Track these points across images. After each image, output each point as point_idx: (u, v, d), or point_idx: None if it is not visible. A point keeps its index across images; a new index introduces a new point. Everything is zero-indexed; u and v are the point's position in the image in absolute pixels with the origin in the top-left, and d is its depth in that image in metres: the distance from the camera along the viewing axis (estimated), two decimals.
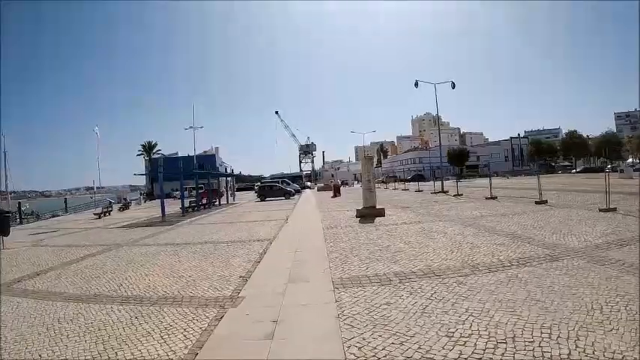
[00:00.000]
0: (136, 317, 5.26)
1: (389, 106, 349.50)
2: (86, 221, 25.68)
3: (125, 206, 37.49)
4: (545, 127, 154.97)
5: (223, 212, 25.20)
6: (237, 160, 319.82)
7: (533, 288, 5.21)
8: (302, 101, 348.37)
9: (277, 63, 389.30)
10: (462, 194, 24.52)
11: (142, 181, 75.01)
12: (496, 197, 20.43)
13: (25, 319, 5.52)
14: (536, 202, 16.36)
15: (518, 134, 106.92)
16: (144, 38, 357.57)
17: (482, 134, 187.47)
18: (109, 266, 9.13)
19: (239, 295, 5.89)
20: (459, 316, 4.39)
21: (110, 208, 32.11)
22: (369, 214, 14.99)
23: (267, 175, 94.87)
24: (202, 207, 29.78)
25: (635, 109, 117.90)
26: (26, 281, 8.18)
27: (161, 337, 4.48)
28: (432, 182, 38.25)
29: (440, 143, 34.46)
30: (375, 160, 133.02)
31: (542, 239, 8.64)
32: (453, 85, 31.83)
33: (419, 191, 32.61)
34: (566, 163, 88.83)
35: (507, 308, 4.52)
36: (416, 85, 31.36)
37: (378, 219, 14.26)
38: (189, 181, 38.71)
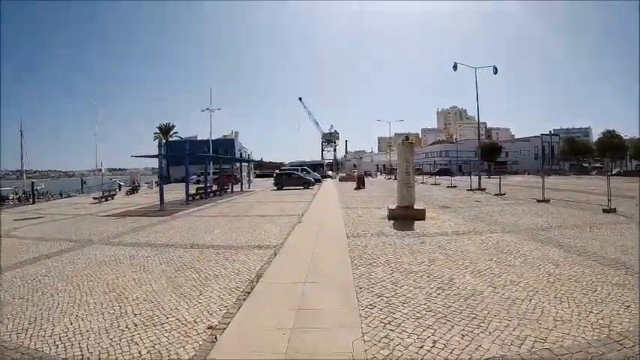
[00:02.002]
0: None
1: (413, 99, 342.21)
2: (84, 206, 23.35)
3: (133, 190, 35.12)
4: (574, 126, 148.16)
5: (233, 201, 22.38)
6: (260, 147, 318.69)
7: None
8: (326, 91, 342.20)
9: (304, 53, 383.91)
10: (504, 193, 21.16)
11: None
12: (549, 200, 17.14)
13: None
14: (605, 210, 13.10)
15: (550, 131, 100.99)
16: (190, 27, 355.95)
17: (509, 130, 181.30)
18: (47, 280, 6.58)
19: None
20: None
21: (114, 192, 29.80)
22: (405, 215, 11.75)
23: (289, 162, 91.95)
24: (212, 194, 27.16)
25: None
26: None
27: None
28: (460, 177, 35.29)
29: (479, 135, 30.63)
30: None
31: None
32: (495, 70, 28.17)
33: (452, 187, 29.21)
34: (598, 165, 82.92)
35: None
36: (455, 67, 27.71)
37: (417, 224, 11.11)
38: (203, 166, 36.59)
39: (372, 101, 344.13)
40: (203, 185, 26.89)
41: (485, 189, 25.02)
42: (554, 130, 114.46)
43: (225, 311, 4.75)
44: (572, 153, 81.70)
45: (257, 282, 5.94)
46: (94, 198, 26.77)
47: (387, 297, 5.09)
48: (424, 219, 11.72)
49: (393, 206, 12.64)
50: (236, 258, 7.61)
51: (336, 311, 4.60)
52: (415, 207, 12.25)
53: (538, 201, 17.25)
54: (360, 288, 5.48)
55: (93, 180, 56.98)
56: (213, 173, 43.35)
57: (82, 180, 48.33)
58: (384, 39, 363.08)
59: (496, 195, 20.90)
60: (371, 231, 10.21)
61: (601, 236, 8.87)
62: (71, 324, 4.49)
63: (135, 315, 4.73)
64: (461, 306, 4.67)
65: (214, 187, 28.90)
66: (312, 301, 5.01)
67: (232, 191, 31.22)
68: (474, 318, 4.30)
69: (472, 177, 28.74)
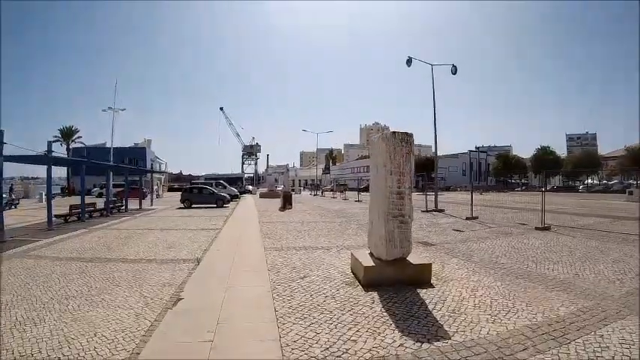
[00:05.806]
0: None
1: (335, 113, 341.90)
2: None
3: (7, 204, 25.42)
4: (496, 144, 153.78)
5: (113, 227, 15.66)
6: (180, 159, 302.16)
7: None
8: (248, 104, 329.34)
9: (226, 62, 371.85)
10: (476, 217, 16.71)
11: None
12: (549, 227, 13.30)
13: None
14: None
15: (477, 148, 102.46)
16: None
17: (431, 147, 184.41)
18: None
19: None
20: None
21: None
22: (396, 279, 6.10)
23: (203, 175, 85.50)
24: (99, 213, 20.45)
25: (587, 132, 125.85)
26: None
27: None
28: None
29: (435, 146, 25.96)
30: (324, 166, 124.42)
31: None
32: (454, 70, 23.99)
33: None
34: (523, 181, 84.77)
35: None
36: (408, 62, 23.13)
37: (426, 299, 5.53)
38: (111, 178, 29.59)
39: (293, 114, 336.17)
40: (80, 203, 19.54)
41: (443, 210, 20.63)
42: (476, 147, 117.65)
43: None
44: (505, 169, 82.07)
45: None
46: None
47: None
48: (430, 284, 6.18)
49: (368, 260, 6.64)
50: None
51: None
52: (411, 259, 6.55)
53: (537, 228, 13.29)
54: None
55: None
56: (119, 186, 36.11)
57: None
58: (308, 50, 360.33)
59: (468, 219, 16.34)
60: (348, 347, 4.14)
61: None
62: None
63: None
64: None
65: (98, 205, 21.83)
66: None
67: (126, 210, 24.25)
68: None
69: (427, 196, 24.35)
